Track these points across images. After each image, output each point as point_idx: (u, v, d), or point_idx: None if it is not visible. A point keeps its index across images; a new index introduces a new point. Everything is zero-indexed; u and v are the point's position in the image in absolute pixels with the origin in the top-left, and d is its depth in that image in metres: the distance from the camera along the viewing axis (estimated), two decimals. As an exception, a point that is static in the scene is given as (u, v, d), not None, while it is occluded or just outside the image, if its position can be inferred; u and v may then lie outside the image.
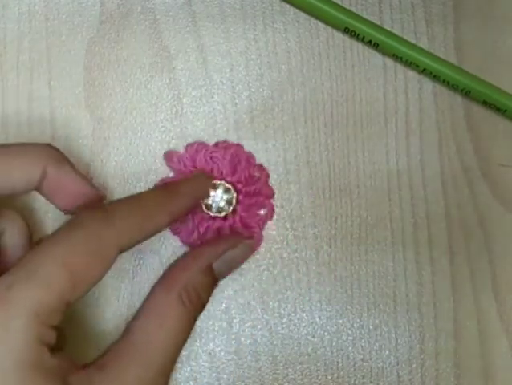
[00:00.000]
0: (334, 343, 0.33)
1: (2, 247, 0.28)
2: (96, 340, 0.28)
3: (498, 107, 0.32)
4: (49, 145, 0.28)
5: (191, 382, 0.32)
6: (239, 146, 0.32)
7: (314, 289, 0.33)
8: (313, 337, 0.33)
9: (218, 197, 0.32)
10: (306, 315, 0.33)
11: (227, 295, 0.32)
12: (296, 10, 0.33)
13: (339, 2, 0.32)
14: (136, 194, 0.28)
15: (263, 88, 0.33)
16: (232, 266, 0.31)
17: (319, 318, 0.33)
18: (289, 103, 0.33)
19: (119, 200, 0.28)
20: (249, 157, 0.32)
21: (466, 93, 0.32)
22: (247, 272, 0.32)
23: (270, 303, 0.33)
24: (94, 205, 0.27)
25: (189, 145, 0.32)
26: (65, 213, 0.28)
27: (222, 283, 0.32)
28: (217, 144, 0.32)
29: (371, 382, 0.32)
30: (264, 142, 0.33)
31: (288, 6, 0.33)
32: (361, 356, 0.32)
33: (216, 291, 0.32)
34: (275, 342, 0.32)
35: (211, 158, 0.32)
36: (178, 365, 0.32)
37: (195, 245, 0.32)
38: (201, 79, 0.33)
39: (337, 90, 0.33)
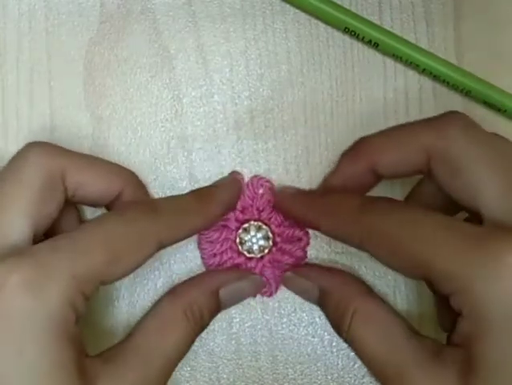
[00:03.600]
0: (334, 343, 0.33)
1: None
2: (95, 339, 0.27)
3: (498, 107, 0.32)
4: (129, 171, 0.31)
5: (191, 382, 0.32)
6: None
7: (314, 289, 0.33)
8: (313, 337, 0.33)
9: (255, 238, 0.32)
10: (306, 315, 0.33)
11: (227, 295, 0.32)
12: (296, 10, 0.33)
13: (339, 2, 0.32)
14: (176, 196, 0.31)
15: (263, 88, 0.33)
16: (237, 297, 0.31)
17: (319, 318, 0.33)
18: (289, 103, 0.33)
19: (163, 199, 0.31)
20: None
21: (466, 93, 0.32)
22: (247, 272, 0.32)
23: (270, 303, 0.33)
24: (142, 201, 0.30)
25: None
26: None
27: (222, 283, 0.32)
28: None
29: (371, 382, 0.32)
30: (264, 142, 0.33)
31: (288, 6, 0.33)
32: (361, 356, 0.32)
33: (216, 291, 0.32)
34: (275, 342, 0.32)
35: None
36: (178, 365, 0.32)
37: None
38: (201, 79, 0.33)
39: (337, 90, 0.33)
